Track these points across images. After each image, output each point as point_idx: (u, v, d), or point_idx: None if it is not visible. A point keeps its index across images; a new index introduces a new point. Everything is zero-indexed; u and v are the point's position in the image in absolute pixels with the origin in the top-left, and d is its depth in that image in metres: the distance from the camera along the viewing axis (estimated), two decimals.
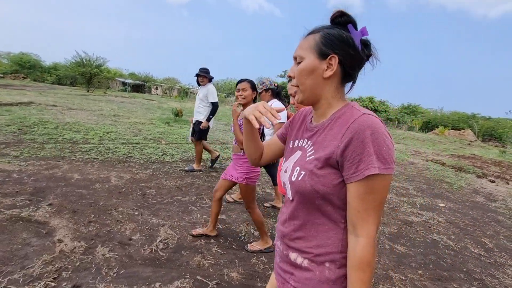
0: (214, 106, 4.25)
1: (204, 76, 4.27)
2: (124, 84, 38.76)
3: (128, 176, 3.76)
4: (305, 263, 0.76)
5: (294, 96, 0.82)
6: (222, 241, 2.50)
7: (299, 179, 0.74)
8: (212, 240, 2.48)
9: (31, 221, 2.37)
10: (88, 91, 23.32)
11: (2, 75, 31.27)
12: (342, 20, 0.73)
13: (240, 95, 2.21)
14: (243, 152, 2.18)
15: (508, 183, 6.76)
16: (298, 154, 0.81)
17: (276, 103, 3.08)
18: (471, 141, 22.01)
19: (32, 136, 5.03)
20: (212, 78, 4.39)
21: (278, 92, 3.20)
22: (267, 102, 2.07)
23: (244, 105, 2.25)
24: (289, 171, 0.79)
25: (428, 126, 32.48)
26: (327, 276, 0.72)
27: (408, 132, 24.56)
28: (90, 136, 5.65)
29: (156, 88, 42.97)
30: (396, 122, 32.42)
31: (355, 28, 0.73)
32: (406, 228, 3.38)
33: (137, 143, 5.65)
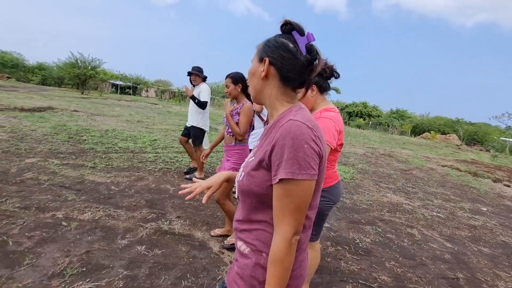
0: (203, 104, 3.94)
1: (196, 74, 4.02)
2: (114, 86, 37.76)
3: None
4: (247, 251, 0.83)
5: None
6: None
7: (240, 179, 0.83)
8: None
9: (176, 234, 2.49)
10: (82, 93, 22.64)
11: None
12: (287, 28, 0.81)
13: (226, 92, 2.42)
14: (235, 142, 2.32)
15: None
16: (249, 156, 0.89)
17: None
18: (457, 145, 23.40)
19: (89, 145, 5.00)
20: (206, 77, 4.14)
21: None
22: None
23: (232, 98, 2.42)
24: (239, 172, 0.88)
25: (416, 130, 34.06)
26: (261, 263, 0.79)
27: (402, 136, 25.64)
28: (141, 144, 5.67)
29: (147, 91, 42.19)
30: (386, 126, 33.73)
31: (301, 34, 0.79)
32: (475, 231, 3.74)
33: None
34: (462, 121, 35.17)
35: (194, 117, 4.05)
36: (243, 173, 0.83)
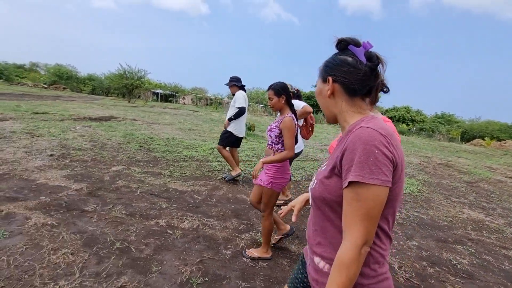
0: (239, 110, 4.13)
1: (233, 85, 4.25)
2: (155, 94, 40.17)
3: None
4: (326, 268, 0.79)
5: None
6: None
7: (312, 187, 0.84)
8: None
9: (272, 247, 2.53)
10: (129, 101, 24.41)
11: (46, 86, 33.20)
12: (342, 45, 0.85)
13: (269, 104, 2.27)
14: (273, 155, 2.21)
15: None
16: (322, 167, 0.89)
17: (295, 101, 3.05)
18: None
19: (159, 154, 5.33)
20: (243, 86, 4.32)
21: (298, 96, 3.45)
22: None
23: (277, 111, 2.31)
24: (313, 180, 0.88)
25: (465, 136, 31.42)
26: None
27: (451, 143, 23.78)
28: (202, 153, 5.92)
29: (184, 98, 44.27)
30: (431, 131, 31.55)
31: (357, 46, 0.81)
32: None
33: (250, 161, 5.85)
34: None
35: (231, 124, 4.22)
36: (315, 181, 0.84)
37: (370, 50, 0.82)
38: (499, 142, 26.54)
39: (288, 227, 2.53)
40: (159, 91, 40.22)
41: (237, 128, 4.26)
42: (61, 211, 2.65)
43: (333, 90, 0.85)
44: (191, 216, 2.91)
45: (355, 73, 0.80)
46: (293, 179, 4.89)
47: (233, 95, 4.31)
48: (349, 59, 0.81)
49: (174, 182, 3.90)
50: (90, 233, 2.35)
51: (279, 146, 2.19)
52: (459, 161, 10.90)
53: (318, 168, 0.90)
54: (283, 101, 2.21)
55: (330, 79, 0.84)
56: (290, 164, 3.36)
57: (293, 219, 1.02)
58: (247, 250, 2.37)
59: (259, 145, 7.95)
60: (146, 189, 3.52)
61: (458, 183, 6.66)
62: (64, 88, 34.66)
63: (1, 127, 5.77)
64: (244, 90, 4.35)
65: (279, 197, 3.52)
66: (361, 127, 0.74)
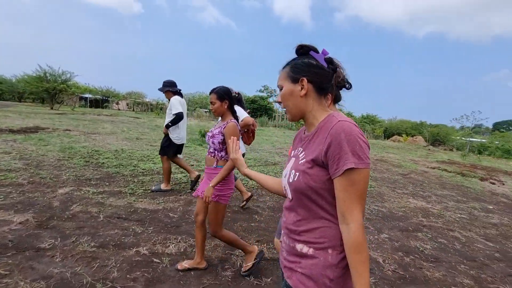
0: (176, 116, 3.88)
1: (166, 90, 3.99)
2: (83, 99, 35.59)
3: (271, 204, 3.87)
4: (311, 251, 0.87)
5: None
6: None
7: (295, 179, 0.88)
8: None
9: (270, 259, 2.46)
10: (51, 108, 21.05)
11: None
12: (303, 50, 0.94)
13: (211, 109, 2.10)
14: (217, 164, 2.05)
15: (503, 184, 8.26)
16: (292, 160, 0.96)
17: (237, 108, 3.14)
18: (425, 147, 25.41)
19: (112, 169, 4.72)
20: (178, 90, 4.06)
21: (239, 100, 3.41)
22: None
23: (219, 116, 2.17)
24: (287, 175, 0.94)
25: (386, 134, 36.37)
26: (330, 261, 0.84)
27: (378, 141, 27.19)
28: (161, 164, 5.45)
29: (118, 103, 40.36)
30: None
31: (316, 52, 0.94)
32: (500, 228, 4.13)
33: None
34: (425, 123, 38.23)
35: (171, 132, 4.00)
36: (296, 174, 0.89)
37: (328, 55, 0.94)
38: (412, 138, 31.61)
39: (255, 248, 2.26)
40: (88, 95, 35.82)
41: (177, 135, 4.01)
42: (8, 254, 2.10)
43: (307, 90, 0.91)
44: (174, 239, 2.64)
45: (324, 74, 0.91)
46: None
47: (169, 100, 4.02)
48: (314, 62, 0.91)
49: (141, 201, 3.50)
50: (58, 276, 1.91)
51: (223, 153, 2.04)
52: (390, 156, 12.55)
53: (285, 164, 1.03)
54: (225, 106, 2.07)
55: (305, 79, 0.90)
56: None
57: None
58: (242, 267, 2.22)
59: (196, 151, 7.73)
60: (110, 212, 3.06)
61: (396, 176, 7.64)
62: None
63: None
64: (181, 95, 4.10)
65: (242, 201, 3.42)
66: (339, 121, 0.82)
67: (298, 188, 0.87)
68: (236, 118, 2.12)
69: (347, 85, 1.03)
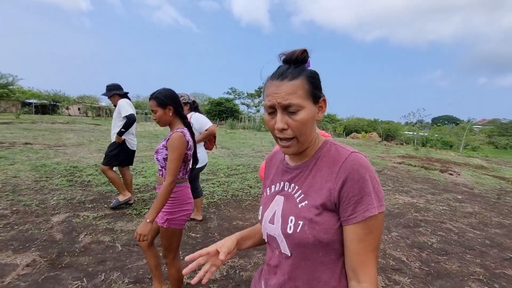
0: (128, 119, 3.42)
1: (112, 94, 3.55)
2: (26, 105, 31.57)
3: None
4: None
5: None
6: None
7: (298, 230, 0.66)
8: None
9: None
10: None
11: None
12: (304, 57, 0.69)
13: (154, 118, 1.71)
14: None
15: (459, 175, 9.39)
16: (281, 200, 0.73)
17: (195, 115, 3.05)
18: (380, 142, 27.79)
19: (103, 187, 4.29)
20: (126, 93, 3.67)
21: (195, 107, 3.22)
22: (186, 115, 1.81)
23: (165, 126, 1.75)
24: (280, 222, 0.70)
25: (346, 131, 38.85)
26: None
27: (341, 139, 28.84)
28: (154, 178, 5.12)
29: (68, 108, 36.69)
30: (322, 129, 37.46)
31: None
32: (478, 216, 4.70)
33: (206, 179, 5.43)
34: (378, 121, 41.66)
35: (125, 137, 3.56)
36: (299, 223, 0.67)
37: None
38: (367, 134, 34.27)
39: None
40: (33, 101, 31.93)
41: (130, 140, 3.60)
42: None
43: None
44: None
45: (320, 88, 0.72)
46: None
47: (115, 106, 3.59)
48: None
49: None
50: None
51: None
52: None
53: (264, 201, 0.81)
54: (170, 113, 1.68)
55: (325, 98, 0.72)
56: (198, 178, 3.18)
57: (205, 280, 0.76)
58: None
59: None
60: (126, 239, 2.79)
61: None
62: None
63: None
64: (128, 98, 3.70)
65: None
66: (353, 152, 0.67)
67: (304, 242, 0.66)
68: (188, 125, 1.76)
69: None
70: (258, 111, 41.55)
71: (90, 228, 2.94)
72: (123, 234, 2.90)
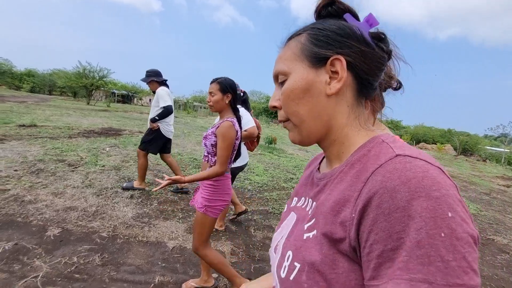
0: (165, 109, 3.46)
1: (150, 80, 3.55)
2: (111, 94, 36.25)
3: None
4: None
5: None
6: None
7: (292, 277, 0.42)
8: None
9: None
10: (88, 103, 21.45)
11: None
12: (333, 9, 0.48)
13: (208, 101, 1.75)
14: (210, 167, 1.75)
15: None
16: (292, 219, 0.52)
17: (241, 110, 2.74)
18: (455, 156, 24.68)
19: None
20: (164, 81, 3.63)
21: (244, 100, 2.98)
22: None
23: (216, 111, 1.78)
24: (278, 253, 0.49)
25: (413, 141, 35.59)
26: None
27: None
28: (266, 178, 5.33)
29: (140, 99, 40.99)
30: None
31: (356, 18, 0.48)
32: None
33: None
34: (454, 131, 37.17)
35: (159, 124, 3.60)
36: (297, 265, 0.41)
37: (376, 28, 0.47)
38: (443, 146, 30.81)
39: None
40: (115, 91, 36.48)
41: (167, 128, 3.62)
42: None
43: (344, 82, 0.45)
44: None
45: (373, 56, 0.45)
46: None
47: (154, 92, 3.61)
48: (358, 32, 0.45)
49: None
50: None
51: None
52: (447, 169, 12.13)
53: (281, 219, 0.54)
54: (227, 101, 1.72)
55: (343, 59, 0.44)
56: (233, 180, 2.95)
57: None
58: (184, 284, 1.92)
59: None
60: None
61: (483, 196, 7.29)
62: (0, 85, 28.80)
63: (17, 153, 4.30)
64: (167, 86, 3.66)
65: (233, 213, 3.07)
66: (397, 155, 0.36)
67: None
68: (238, 117, 1.78)
69: (395, 84, 0.50)
70: None
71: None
72: None
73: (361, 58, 0.44)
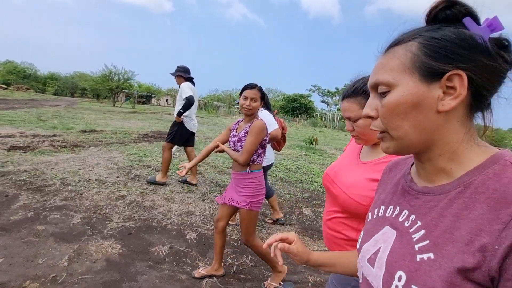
0: (187, 101, 3.61)
1: (178, 75, 3.81)
2: (131, 96, 37.09)
3: None
4: None
5: (355, 137, 0.59)
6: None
7: None
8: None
9: None
10: (114, 105, 22.07)
11: (4, 86, 28.39)
12: (452, 13, 0.44)
13: (248, 106, 1.80)
14: (249, 169, 1.86)
15: None
16: (391, 235, 0.50)
17: (264, 113, 2.83)
18: None
19: (277, 175, 4.78)
20: (191, 78, 3.87)
21: (266, 102, 3.10)
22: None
23: (250, 115, 1.88)
24: (383, 270, 0.48)
25: None
26: None
27: None
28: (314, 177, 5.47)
29: (158, 99, 41.74)
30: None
31: (476, 21, 0.43)
32: None
33: None
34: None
35: (184, 119, 3.78)
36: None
37: (499, 32, 0.42)
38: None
39: (285, 269, 2.09)
40: (135, 92, 37.30)
41: (188, 122, 3.78)
42: None
43: (461, 99, 0.42)
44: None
45: (495, 69, 0.42)
46: None
47: (179, 85, 3.81)
48: (480, 41, 0.41)
49: None
50: None
51: (255, 157, 1.84)
52: None
53: (367, 226, 0.57)
54: (259, 107, 1.90)
55: (464, 76, 0.41)
56: (266, 180, 2.99)
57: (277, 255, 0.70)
58: (264, 282, 2.03)
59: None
60: None
61: None
62: (27, 89, 29.97)
63: (106, 159, 4.56)
64: (193, 83, 3.86)
65: (270, 217, 3.21)
66: None
67: None
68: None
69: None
70: (338, 109, 40.26)
71: None
72: None
73: (483, 74, 0.41)
